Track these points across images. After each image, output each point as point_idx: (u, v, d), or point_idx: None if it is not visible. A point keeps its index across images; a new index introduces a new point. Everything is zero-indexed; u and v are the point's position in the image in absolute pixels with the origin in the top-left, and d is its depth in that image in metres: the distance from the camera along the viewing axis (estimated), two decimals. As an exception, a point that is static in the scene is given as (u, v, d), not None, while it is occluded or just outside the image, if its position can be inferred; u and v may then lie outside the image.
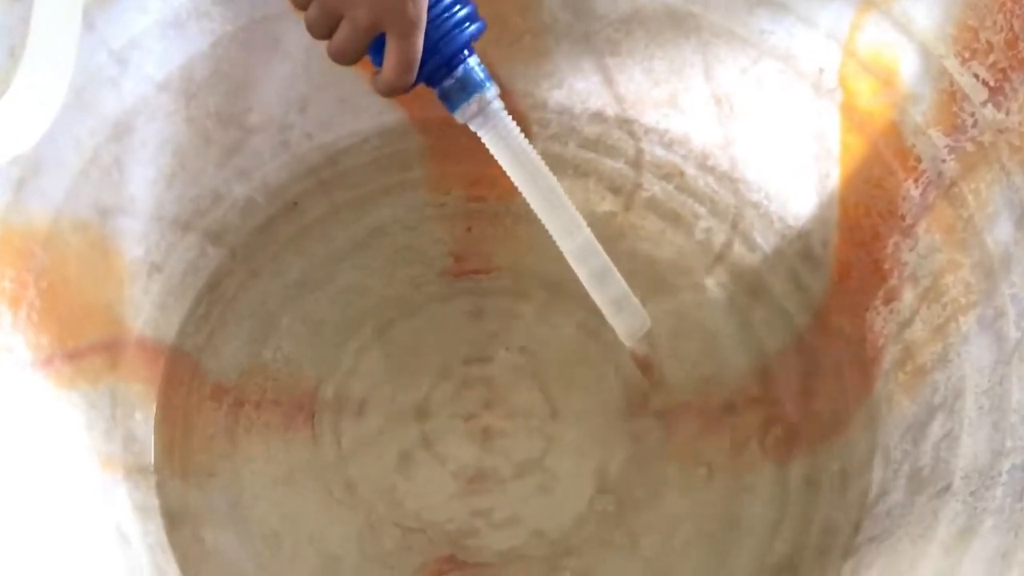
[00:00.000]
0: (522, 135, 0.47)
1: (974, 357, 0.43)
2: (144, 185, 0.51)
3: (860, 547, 0.46)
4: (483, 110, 0.46)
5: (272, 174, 0.57)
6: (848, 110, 0.50)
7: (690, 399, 0.54)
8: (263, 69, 0.53)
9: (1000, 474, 0.39)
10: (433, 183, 0.59)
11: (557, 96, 0.58)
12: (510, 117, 0.46)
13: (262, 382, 0.55)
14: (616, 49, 0.55)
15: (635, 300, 0.49)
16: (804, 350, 0.53)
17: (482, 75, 0.46)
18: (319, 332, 0.56)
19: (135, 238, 0.52)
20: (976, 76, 0.45)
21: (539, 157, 0.47)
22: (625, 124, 0.57)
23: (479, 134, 0.47)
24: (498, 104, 0.46)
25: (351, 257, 0.58)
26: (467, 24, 0.45)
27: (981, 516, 0.39)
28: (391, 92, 0.45)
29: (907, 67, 0.47)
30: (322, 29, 0.44)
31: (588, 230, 0.47)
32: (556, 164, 0.58)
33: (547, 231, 0.58)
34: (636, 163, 0.58)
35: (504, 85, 0.57)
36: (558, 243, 0.48)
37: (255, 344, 0.56)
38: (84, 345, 0.49)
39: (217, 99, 0.53)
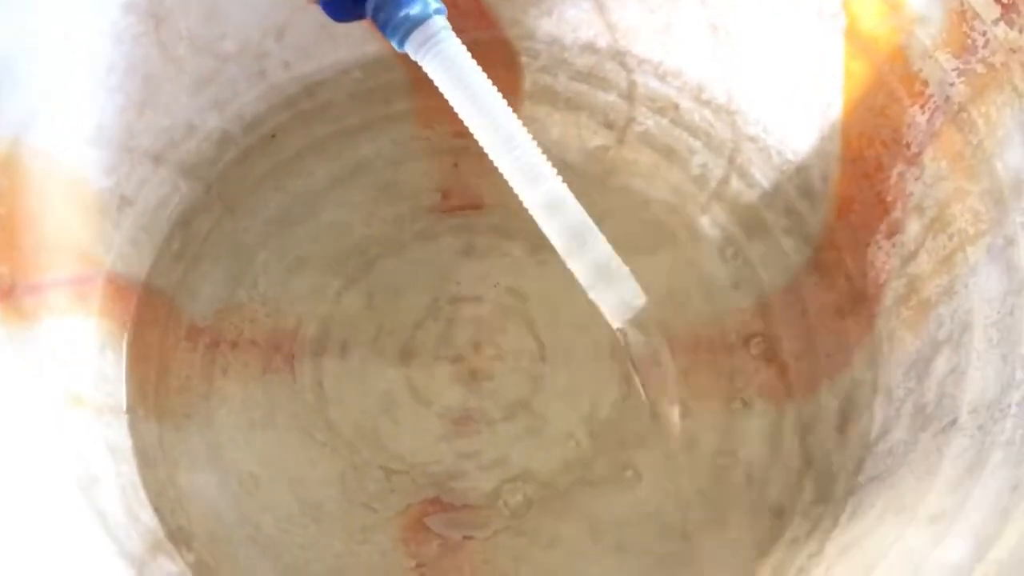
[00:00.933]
0: (473, 63, 0.39)
1: (982, 288, 0.41)
2: (112, 113, 0.49)
3: (861, 487, 0.44)
4: (421, 27, 0.38)
5: (248, 105, 0.54)
6: (852, 35, 0.48)
7: (684, 339, 0.52)
8: (237, -9, 0.51)
9: (1010, 406, 0.37)
10: (418, 117, 0.57)
11: (546, 25, 0.55)
12: (459, 40, 0.39)
13: (239, 322, 0.53)
14: (609, -28, 0.53)
15: (624, 267, 0.39)
16: (803, 288, 0.51)
17: None
18: (299, 271, 0.54)
19: (104, 169, 0.49)
20: (988, -7, 0.42)
21: (495, 90, 0.39)
22: (618, 55, 0.55)
23: (418, 60, 0.39)
24: (442, 22, 0.39)
25: (332, 193, 0.56)
26: None
27: (990, 450, 0.37)
28: None
29: (915, -14, 0.45)
30: None
31: (559, 179, 0.39)
32: (546, 97, 0.56)
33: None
34: (629, 96, 0.55)
35: (491, 12, 0.55)
36: (520, 195, 0.39)
37: (231, 283, 0.54)
38: (50, 278, 0.46)
39: (189, 23, 0.50)
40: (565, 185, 0.39)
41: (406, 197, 0.56)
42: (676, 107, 0.55)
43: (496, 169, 0.56)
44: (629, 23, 0.54)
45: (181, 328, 0.52)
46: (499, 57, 0.56)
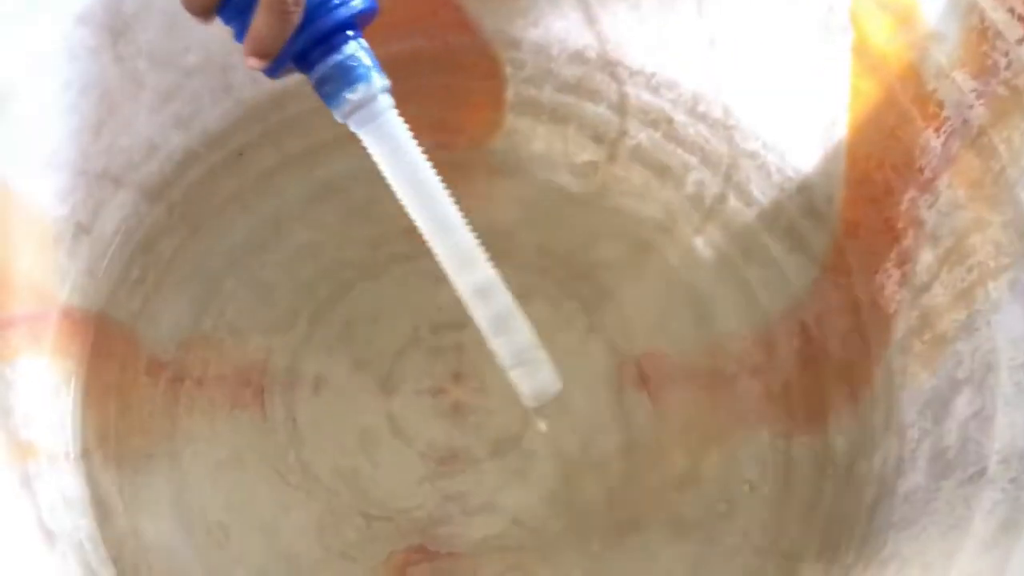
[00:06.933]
0: (414, 143, 0.39)
1: (1007, 327, 0.39)
2: (67, 134, 0.45)
3: (875, 535, 0.42)
4: (367, 106, 0.38)
5: (213, 121, 0.51)
6: (860, 52, 0.45)
7: (679, 368, 0.49)
8: (201, 0, 0.47)
9: (1048, 460, 0.35)
10: (394, 131, 0.53)
11: (533, 35, 0.52)
12: (402, 120, 0.39)
13: (204, 354, 0.49)
14: (600, -19, 0.50)
15: (544, 354, 0.41)
16: (805, 316, 0.49)
17: (369, 62, 0.38)
18: (268, 298, 0.51)
19: (58, 195, 0.45)
20: (1012, 11, 0.40)
21: (433, 173, 0.39)
22: (608, 66, 0.52)
23: (359, 135, 0.39)
24: (387, 101, 0.39)
25: (302, 214, 0.52)
26: None
27: (1027, 508, 0.35)
28: (263, 49, 0.36)
29: (929, 1, 0.42)
30: None
31: (490, 265, 0.40)
32: (532, 109, 0.53)
33: (525, 186, 0.54)
34: (620, 109, 0.52)
35: (474, 22, 0.51)
36: (451, 277, 0.40)
37: (196, 311, 0.50)
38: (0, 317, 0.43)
39: (149, 36, 0.46)
40: (495, 271, 0.40)
41: (381, 218, 0.52)
42: (670, 121, 0.52)
43: (478, 188, 0.54)
44: (620, 33, 0.51)
45: (141, 362, 0.49)
46: (481, 67, 0.53)
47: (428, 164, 0.39)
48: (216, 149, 0.51)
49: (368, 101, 0.38)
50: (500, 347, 0.40)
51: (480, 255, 0.40)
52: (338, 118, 0.39)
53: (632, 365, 0.50)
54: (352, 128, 0.39)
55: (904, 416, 0.43)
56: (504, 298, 0.40)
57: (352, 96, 0.38)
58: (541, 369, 0.41)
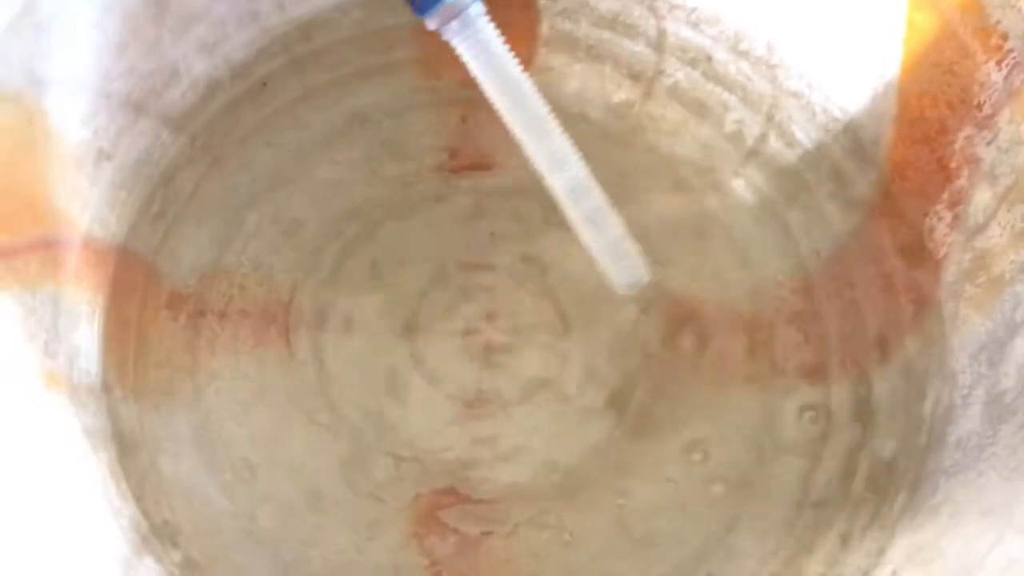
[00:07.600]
0: (507, 50, 0.41)
1: (1072, 266, 0.37)
2: (89, 53, 0.43)
3: (925, 483, 0.40)
4: (459, 16, 0.40)
5: (238, 50, 0.49)
6: (917, -18, 0.44)
7: (717, 314, 0.48)
8: (229, -82, 0.45)
9: (1117, 400, 0.34)
10: (423, 65, 0.51)
11: (569, -36, 0.50)
12: (493, 26, 0.41)
13: (227, 289, 0.48)
14: (642, -94, 0.48)
15: (635, 246, 0.44)
16: (849, 260, 0.47)
17: None
18: (293, 234, 0.49)
19: (80, 117, 0.43)
20: (1086, -65, 0.38)
21: (527, 77, 0.41)
22: (646, 0, 0.50)
23: (454, 44, 0.41)
24: (478, 9, 0.41)
25: (329, 148, 0.51)
26: None
27: (1095, 449, 0.33)
28: None
29: (994, -73, 0.41)
30: None
31: (583, 164, 0.43)
32: (566, 45, 0.51)
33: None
34: (658, 45, 0.50)
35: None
36: (546, 178, 0.43)
37: (218, 245, 0.48)
38: (19, 242, 0.41)
39: (174, -46, 0.44)
40: (587, 170, 0.42)
41: (410, 155, 0.51)
42: (709, 58, 0.50)
43: (504, 129, 0.52)
44: (661, -36, 0.49)
45: (162, 296, 0.47)
46: (514, -3, 0.51)
47: (520, 69, 0.41)
48: (240, 79, 0.49)
49: (461, 9, 0.40)
50: (594, 242, 0.43)
51: (574, 156, 0.42)
52: (430, 26, 0.41)
53: (667, 308, 0.48)
54: (445, 37, 0.41)
55: (955, 361, 0.42)
56: (596, 196, 0.43)
57: (446, 5, 0.40)
58: (632, 261, 0.44)
